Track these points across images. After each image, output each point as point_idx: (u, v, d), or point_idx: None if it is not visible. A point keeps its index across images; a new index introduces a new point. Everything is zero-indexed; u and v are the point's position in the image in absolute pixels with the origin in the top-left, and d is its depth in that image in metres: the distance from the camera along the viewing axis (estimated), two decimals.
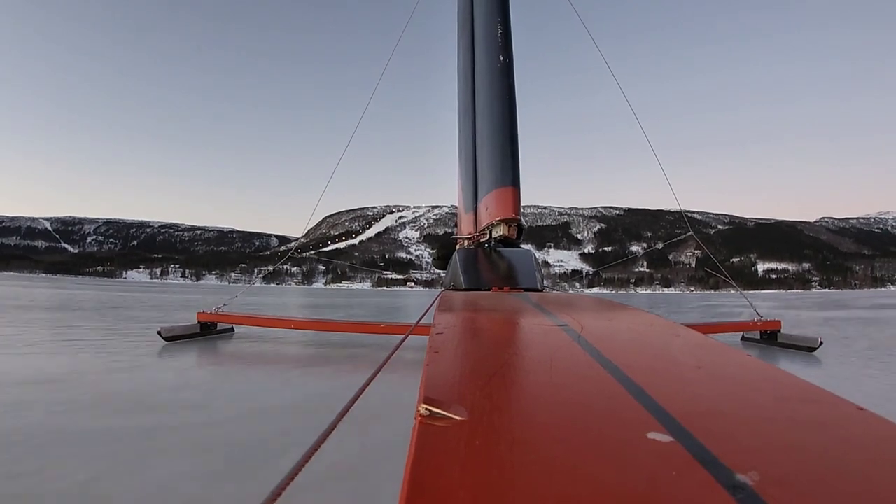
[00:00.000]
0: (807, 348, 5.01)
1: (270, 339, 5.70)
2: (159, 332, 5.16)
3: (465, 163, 5.97)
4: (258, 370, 4.03)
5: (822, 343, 4.95)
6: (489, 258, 4.59)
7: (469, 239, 5.54)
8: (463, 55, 6.32)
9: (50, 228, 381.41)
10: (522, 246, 4.81)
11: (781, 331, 5.49)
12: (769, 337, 5.52)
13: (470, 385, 0.71)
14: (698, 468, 0.44)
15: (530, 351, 1.13)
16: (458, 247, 6.26)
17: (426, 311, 2.40)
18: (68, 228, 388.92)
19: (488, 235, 4.82)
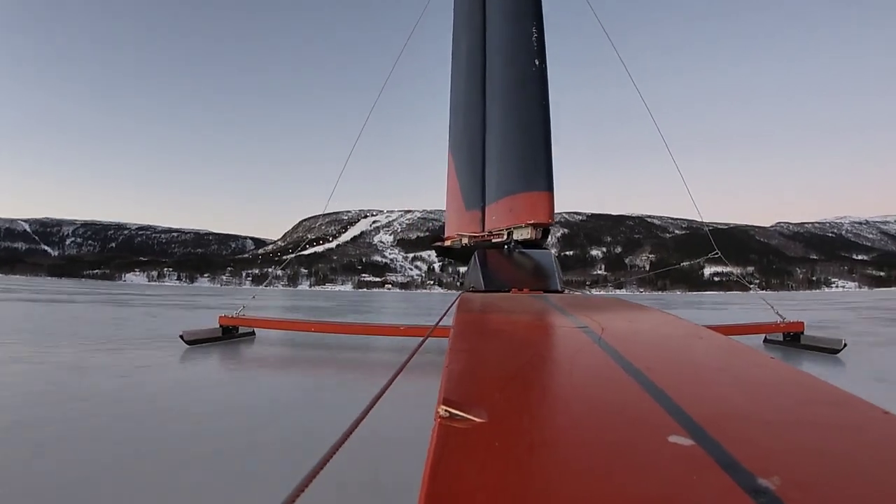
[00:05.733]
0: (830, 350, 4.94)
1: (299, 344, 5.74)
2: (181, 336, 5.21)
3: (468, 162, 5.93)
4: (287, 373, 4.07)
5: (846, 345, 4.87)
6: (510, 260, 4.57)
7: (476, 238, 5.48)
8: (467, 57, 6.27)
9: (29, 230, 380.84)
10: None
11: (805, 333, 5.41)
12: (792, 339, 5.44)
13: (490, 387, 0.71)
14: (720, 472, 0.44)
15: (550, 353, 1.12)
16: (446, 243, 6.24)
17: (445, 313, 2.40)
18: (47, 230, 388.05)
19: (506, 236, 4.80)
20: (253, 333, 6.15)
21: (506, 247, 4.78)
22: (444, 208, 6.70)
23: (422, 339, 1.66)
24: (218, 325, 5.76)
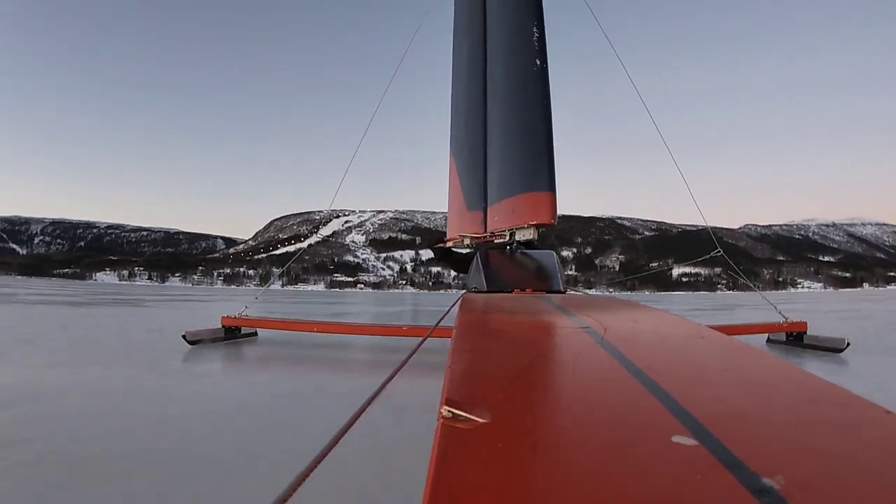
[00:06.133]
0: (833, 350, 4.93)
1: (301, 344, 5.76)
2: (184, 336, 5.23)
3: (469, 163, 5.94)
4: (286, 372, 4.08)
5: (849, 344, 4.86)
6: (512, 260, 4.58)
7: (477, 238, 5.49)
8: (469, 56, 6.28)
9: None
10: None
11: (808, 332, 5.41)
12: (795, 338, 5.44)
13: (492, 387, 0.71)
14: (723, 472, 0.44)
15: (553, 353, 1.13)
16: (449, 244, 6.24)
17: (446, 314, 2.41)
18: (15, 228, 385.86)
19: (508, 237, 4.80)
20: (255, 334, 6.16)
21: (508, 247, 4.78)
22: (443, 209, 6.71)
23: (422, 338, 1.66)
24: (220, 326, 5.78)
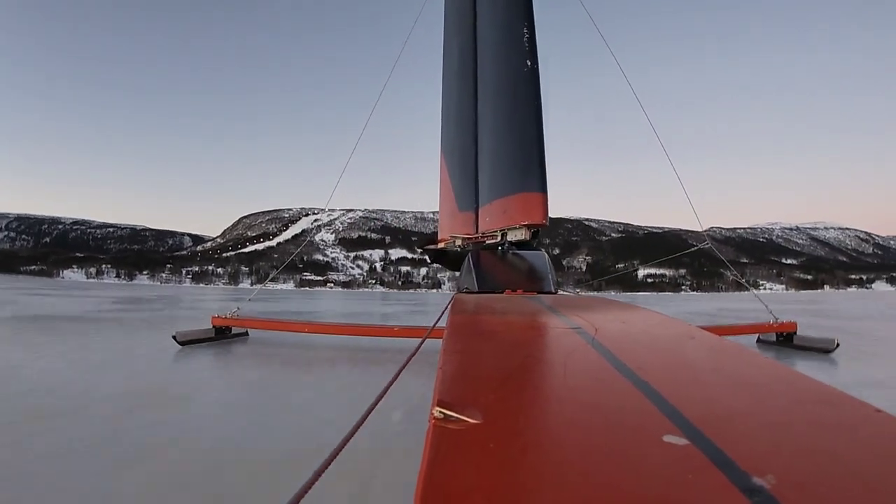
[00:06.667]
0: (823, 350, 4.96)
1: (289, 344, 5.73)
2: (174, 337, 5.20)
3: (460, 164, 5.94)
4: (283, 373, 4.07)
5: (838, 345, 4.90)
6: (503, 260, 4.58)
7: (469, 239, 5.49)
8: (459, 57, 6.28)
9: None
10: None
11: (798, 333, 5.44)
12: (785, 339, 5.47)
13: (484, 388, 0.71)
14: (715, 471, 0.44)
15: (544, 354, 1.13)
16: (441, 245, 6.24)
17: (441, 315, 2.40)
18: None
19: (499, 238, 4.81)
20: (246, 334, 6.13)
21: (499, 248, 4.78)
22: (437, 209, 6.71)
23: (420, 340, 1.66)
24: (211, 326, 5.75)
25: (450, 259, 6.37)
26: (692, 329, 1.23)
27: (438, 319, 2.25)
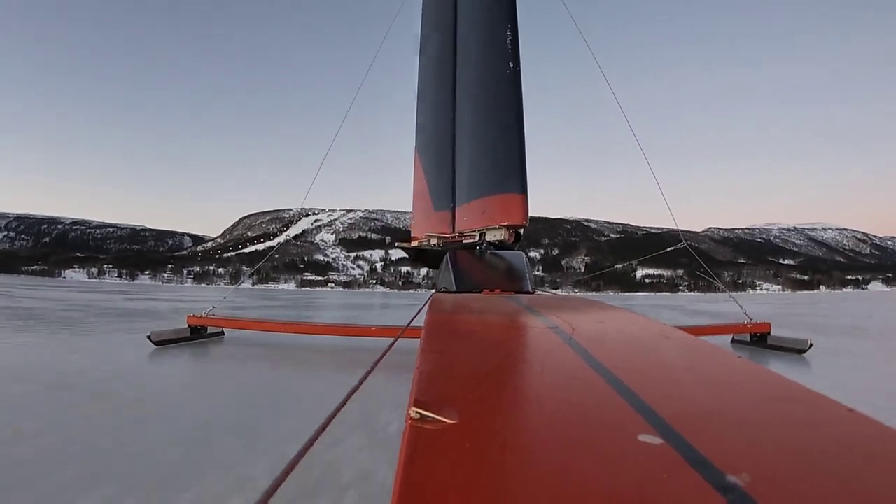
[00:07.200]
0: (796, 350, 5.05)
1: (262, 344, 5.68)
2: (149, 337, 5.13)
3: (436, 162, 5.94)
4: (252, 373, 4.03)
5: (811, 345, 4.98)
6: (481, 260, 4.59)
7: (446, 239, 5.48)
8: (437, 57, 6.26)
9: None
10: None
11: (771, 333, 5.53)
12: (759, 339, 5.56)
13: (461, 388, 0.70)
14: (689, 470, 0.44)
15: (522, 353, 1.13)
16: (414, 244, 6.23)
17: (417, 314, 2.40)
18: None
19: (478, 238, 4.81)
20: (222, 333, 6.07)
21: (477, 248, 4.79)
22: (411, 209, 6.66)
23: (393, 339, 1.66)
24: (186, 325, 5.68)
25: (430, 258, 6.36)
26: (667, 329, 1.24)
27: (413, 319, 2.25)
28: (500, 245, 4.67)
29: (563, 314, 1.50)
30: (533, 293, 4.11)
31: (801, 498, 0.41)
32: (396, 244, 6.88)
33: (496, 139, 4.83)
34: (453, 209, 5.41)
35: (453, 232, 5.32)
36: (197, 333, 5.69)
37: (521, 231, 4.65)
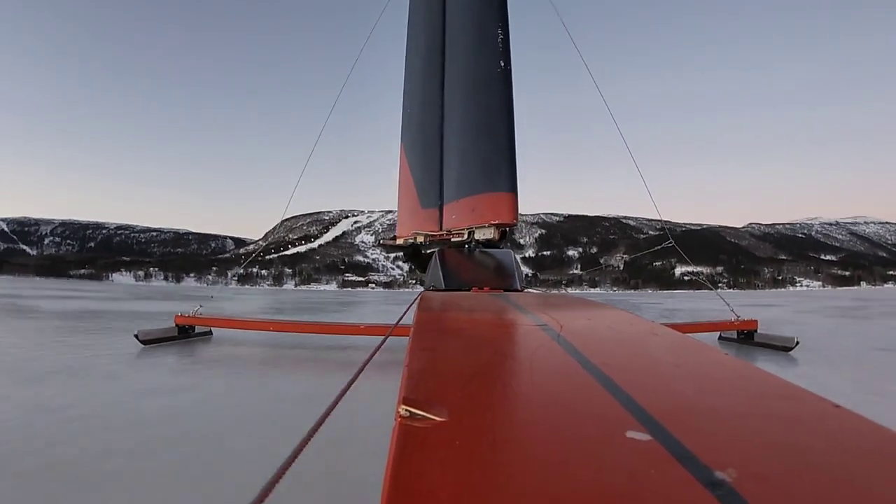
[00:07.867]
0: (783, 348, 5.08)
1: (251, 343, 5.66)
2: (136, 336, 5.10)
3: (424, 160, 5.91)
4: (239, 373, 4.00)
5: (798, 343, 5.02)
6: (470, 258, 4.59)
7: (433, 237, 5.46)
8: (425, 54, 6.23)
9: (6, 229, 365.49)
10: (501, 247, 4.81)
11: (758, 330, 5.56)
12: (746, 336, 5.59)
13: (450, 386, 0.70)
14: (677, 466, 0.45)
15: (510, 351, 1.13)
16: (399, 241, 6.22)
17: (405, 312, 2.40)
18: (24, 229, 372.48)
19: (466, 236, 4.81)
20: (210, 332, 6.03)
21: (466, 246, 4.79)
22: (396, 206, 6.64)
23: (383, 337, 1.65)
24: (174, 325, 5.65)
25: (422, 257, 6.35)
26: (656, 326, 1.25)
27: (401, 317, 2.25)
28: (487, 243, 4.67)
29: (551, 312, 1.51)
30: (522, 291, 4.12)
31: (788, 493, 0.41)
32: (381, 241, 6.84)
33: (486, 138, 4.82)
34: (441, 207, 5.39)
35: (441, 230, 5.31)
36: (184, 333, 5.66)
37: (509, 229, 4.65)
